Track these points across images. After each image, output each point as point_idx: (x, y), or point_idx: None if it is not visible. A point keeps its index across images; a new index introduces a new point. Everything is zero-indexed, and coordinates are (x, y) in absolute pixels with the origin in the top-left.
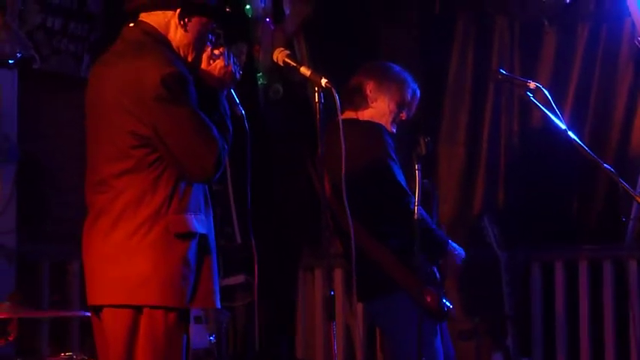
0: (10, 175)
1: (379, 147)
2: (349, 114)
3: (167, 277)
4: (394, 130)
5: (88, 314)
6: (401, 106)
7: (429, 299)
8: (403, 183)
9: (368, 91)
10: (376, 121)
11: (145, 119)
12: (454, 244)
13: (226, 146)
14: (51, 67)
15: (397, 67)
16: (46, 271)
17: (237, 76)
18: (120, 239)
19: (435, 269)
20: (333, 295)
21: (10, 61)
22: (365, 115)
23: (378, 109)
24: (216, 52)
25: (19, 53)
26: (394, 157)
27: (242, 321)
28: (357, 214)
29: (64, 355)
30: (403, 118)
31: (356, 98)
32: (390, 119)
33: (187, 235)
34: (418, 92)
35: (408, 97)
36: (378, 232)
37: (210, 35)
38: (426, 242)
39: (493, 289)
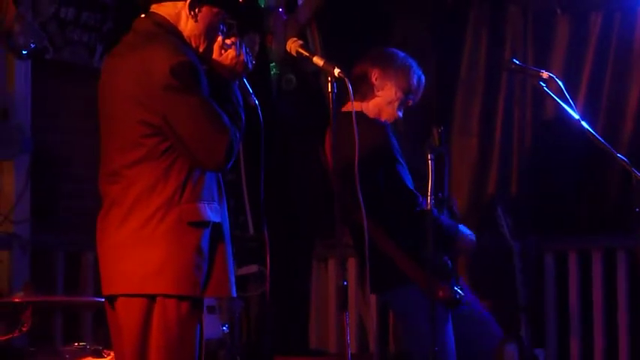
0: (24, 165)
1: (385, 150)
2: (356, 105)
3: (180, 265)
4: (400, 116)
5: (102, 300)
6: (407, 92)
7: (440, 294)
8: (410, 185)
9: (374, 79)
10: (383, 108)
11: (155, 108)
12: (464, 229)
13: (238, 135)
14: (64, 57)
15: (401, 54)
16: (61, 262)
17: (250, 65)
18: (133, 228)
19: (447, 259)
20: (346, 285)
21: (23, 52)
22: (371, 104)
23: (385, 97)
24: (227, 41)
25: (33, 44)
26: (399, 159)
27: (255, 311)
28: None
29: (78, 345)
30: (410, 104)
31: (362, 87)
32: (397, 106)
33: (201, 224)
34: (423, 78)
35: (414, 83)
36: (385, 227)
37: (221, 25)
38: (436, 236)
39: (506, 279)
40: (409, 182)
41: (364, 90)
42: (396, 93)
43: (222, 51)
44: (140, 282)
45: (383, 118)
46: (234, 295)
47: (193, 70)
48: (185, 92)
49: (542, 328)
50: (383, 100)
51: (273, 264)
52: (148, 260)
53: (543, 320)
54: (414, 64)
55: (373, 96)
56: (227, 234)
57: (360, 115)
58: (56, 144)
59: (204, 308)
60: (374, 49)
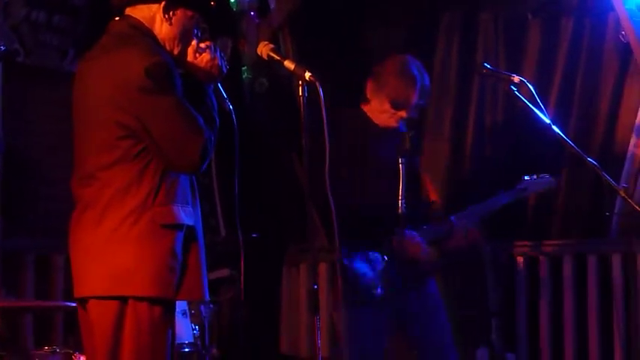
0: None
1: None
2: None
3: (153, 268)
4: (397, 126)
5: (72, 304)
6: (396, 106)
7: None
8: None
9: (367, 91)
10: (376, 116)
11: (129, 110)
12: (407, 232)
13: (212, 137)
14: (35, 60)
15: (405, 66)
16: (31, 264)
17: (224, 69)
18: (106, 231)
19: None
20: (317, 289)
21: None
22: (367, 109)
23: (374, 107)
24: (202, 45)
25: (3, 47)
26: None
27: (226, 315)
28: None
29: (48, 348)
30: (404, 117)
31: (364, 92)
32: (388, 117)
33: (174, 227)
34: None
35: (404, 97)
36: None
37: (196, 29)
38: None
39: (477, 284)
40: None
41: (364, 95)
42: (382, 105)
43: (197, 55)
44: (112, 284)
45: (379, 124)
46: (207, 298)
47: (168, 71)
48: (160, 93)
49: (512, 333)
50: (372, 110)
51: (244, 268)
52: (120, 262)
53: (514, 325)
54: (411, 78)
55: (367, 104)
56: (200, 237)
57: (357, 112)
58: (27, 147)
59: (179, 311)
60: (386, 58)
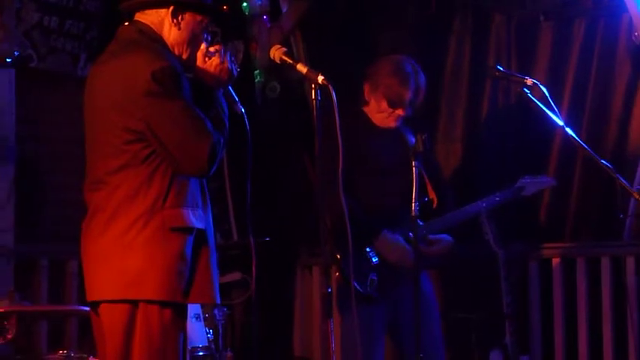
0: (8, 174)
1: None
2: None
3: (163, 271)
4: (395, 125)
5: (86, 309)
6: (392, 105)
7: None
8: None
9: (365, 92)
10: (374, 116)
11: (137, 114)
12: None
13: (222, 141)
14: (48, 65)
15: (398, 65)
16: (45, 270)
17: (235, 73)
18: (116, 235)
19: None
20: (331, 293)
21: (7, 60)
22: (367, 110)
23: (373, 107)
24: (211, 49)
25: (17, 52)
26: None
27: (239, 318)
28: None
29: (62, 353)
30: (401, 115)
31: (362, 95)
32: (386, 116)
33: (184, 230)
34: (414, 90)
35: (399, 94)
36: None
37: (205, 33)
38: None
39: (491, 286)
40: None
41: (363, 98)
42: (380, 105)
43: (206, 59)
44: (123, 288)
45: (379, 125)
46: (218, 302)
47: (175, 75)
48: (167, 97)
49: (526, 335)
50: (370, 110)
51: (257, 271)
52: (130, 266)
53: (528, 327)
54: (408, 78)
55: (367, 104)
56: (211, 241)
57: (358, 113)
58: (40, 153)
59: (192, 315)
60: (376, 60)
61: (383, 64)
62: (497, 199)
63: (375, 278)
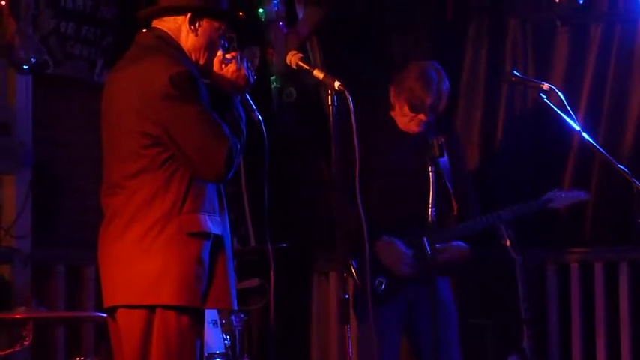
0: (25, 180)
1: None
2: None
3: (180, 276)
4: (418, 130)
5: (103, 315)
6: (414, 109)
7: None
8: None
9: (390, 96)
10: (399, 120)
11: (154, 118)
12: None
13: (238, 145)
14: (64, 72)
15: (423, 70)
16: (62, 276)
17: (251, 80)
18: (133, 240)
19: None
20: (347, 298)
21: (24, 67)
22: (393, 114)
23: (398, 112)
24: (228, 56)
25: (33, 58)
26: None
27: (256, 324)
28: None
29: (79, 359)
30: (424, 120)
31: (389, 100)
32: (408, 121)
33: (201, 235)
34: (436, 95)
35: (420, 99)
36: None
37: (222, 40)
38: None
39: (509, 291)
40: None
41: (389, 102)
42: (403, 109)
43: (223, 65)
44: (140, 293)
45: (403, 129)
46: (235, 307)
47: (192, 79)
48: (184, 101)
49: (544, 340)
50: (398, 114)
51: (274, 277)
52: (148, 271)
53: (546, 332)
54: (430, 83)
55: (393, 108)
56: (228, 247)
57: (378, 117)
58: (57, 158)
59: (209, 321)
60: (402, 66)
61: (409, 69)
62: (520, 210)
63: (383, 280)
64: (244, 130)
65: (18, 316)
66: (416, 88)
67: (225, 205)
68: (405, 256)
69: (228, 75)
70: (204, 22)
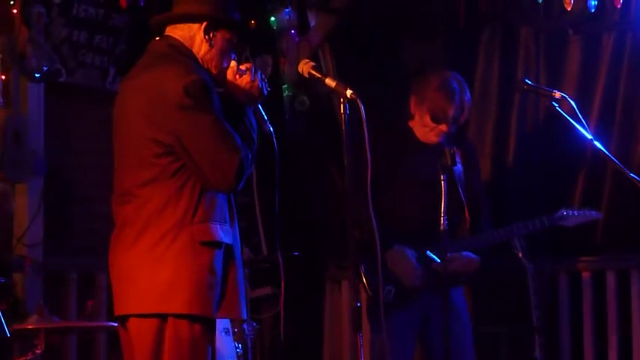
0: (37, 188)
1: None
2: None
3: (192, 285)
4: (439, 141)
5: (115, 324)
6: (436, 120)
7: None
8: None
9: (411, 106)
10: (418, 130)
11: (167, 127)
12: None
13: (250, 156)
14: (77, 80)
15: (445, 80)
16: (74, 284)
17: (265, 91)
18: (145, 248)
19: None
20: (360, 307)
21: (36, 75)
22: (411, 124)
23: (417, 121)
24: (242, 67)
25: (45, 67)
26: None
27: (269, 333)
28: None
29: None
30: (445, 131)
31: (409, 109)
32: (428, 132)
33: (213, 244)
34: (458, 106)
35: (443, 110)
36: None
37: (233, 49)
38: None
39: (520, 299)
40: None
41: (409, 111)
42: (424, 119)
43: (238, 76)
44: (152, 302)
45: (422, 139)
46: (245, 317)
47: (206, 88)
48: (198, 111)
49: (556, 349)
50: (417, 124)
51: (286, 286)
52: (160, 280)
53: (558, 341)
54: (453, 93)
55: (412, 118)
56: (238, 256)
57: (395, 127)
58: (69, 166)
59: (221, 330)
60: (422, 74)
61: (430, 79)
62: (533, 226)
63: (392, 288)
64: (256, 141)
65: (30, 327)
66: (438, 98)
67: (235, 214)
68: (415, 267)
69: (243, 85)
70: (219, 32)
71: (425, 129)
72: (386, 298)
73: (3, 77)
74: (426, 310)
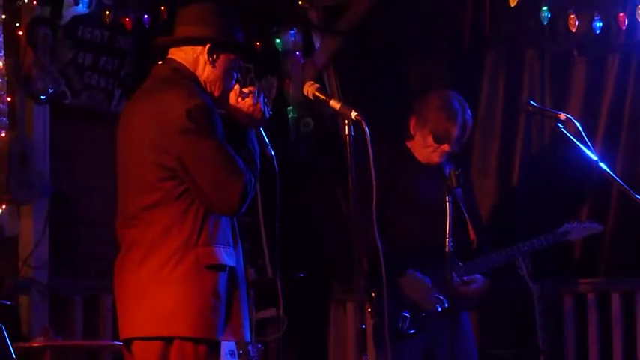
0: (42, 210)
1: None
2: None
3: (197, 308)
4: (439, 161)
5: (120, 343)
6: (438, 140)
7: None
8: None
9: (410, 127)
10: (418, 151)
11: (171, 151)
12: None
13: (253, 180)
14: (82, 102)
15: (446, 100)
16: (79, 306)
17: (267, 114)
18: (150, 271)
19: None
20: (365, 329)
21: (42, 97)
22: (411, 145)
23: (418, 142)
24: (245, 90)
25: (51, 89)
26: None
27: (274, 355)
28: None
29: None
30: (447, 151)
31: (408, 129)
32: (431, 152)
33: (217, 267)
34: (461, 126)
35: (446, 130)
36: None
37: (236, 72)
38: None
39: (526, 322)
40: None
41: (409, 132)
42: (426, 140)
43: (240, 99)
44: (157, 324)
45: (422, 160)
46: (248, 339)
47: (209, 112)
48: (201, 135)
49: None
50: (416, 145)
51: (291, 307)
52: (165, 303)
53: None
54: (455, 114)
55: (412, 139)
56: (242, 277)
57: (396, 148)
58: (74, 188)
59: (226, 352)
60: (424, 94)
61: (431, 99)
62: (539, 243)
63: (408, 315)
64: (258, 164)
65: (36, 345)
66: (440, 119)
67: (238, 237)
68: (433, 291)
69: (245, 108)
70: (222, 54)
71: (427, 150)
72: (402, 326)
73: (9, 99)
74: (434, 331)
